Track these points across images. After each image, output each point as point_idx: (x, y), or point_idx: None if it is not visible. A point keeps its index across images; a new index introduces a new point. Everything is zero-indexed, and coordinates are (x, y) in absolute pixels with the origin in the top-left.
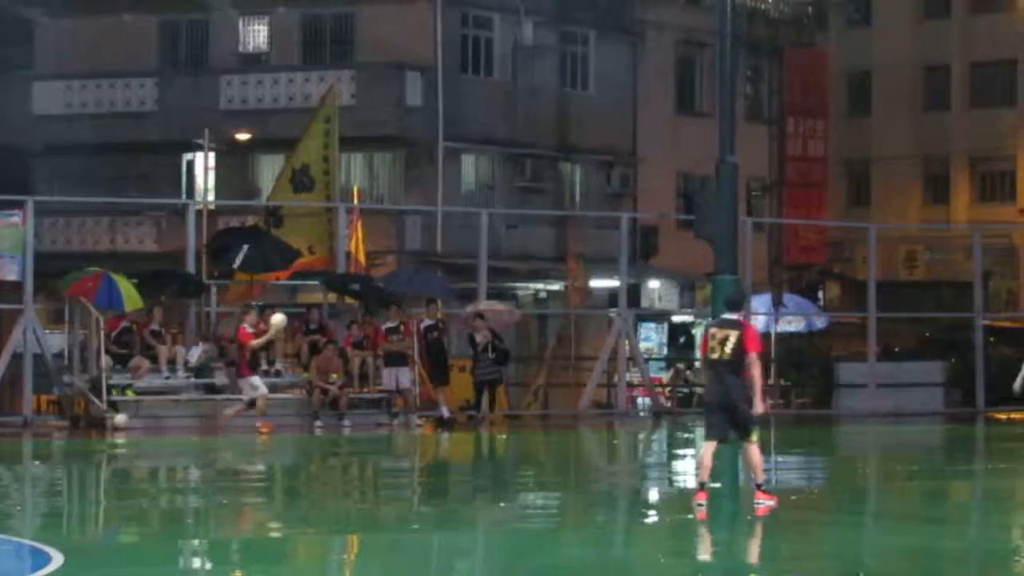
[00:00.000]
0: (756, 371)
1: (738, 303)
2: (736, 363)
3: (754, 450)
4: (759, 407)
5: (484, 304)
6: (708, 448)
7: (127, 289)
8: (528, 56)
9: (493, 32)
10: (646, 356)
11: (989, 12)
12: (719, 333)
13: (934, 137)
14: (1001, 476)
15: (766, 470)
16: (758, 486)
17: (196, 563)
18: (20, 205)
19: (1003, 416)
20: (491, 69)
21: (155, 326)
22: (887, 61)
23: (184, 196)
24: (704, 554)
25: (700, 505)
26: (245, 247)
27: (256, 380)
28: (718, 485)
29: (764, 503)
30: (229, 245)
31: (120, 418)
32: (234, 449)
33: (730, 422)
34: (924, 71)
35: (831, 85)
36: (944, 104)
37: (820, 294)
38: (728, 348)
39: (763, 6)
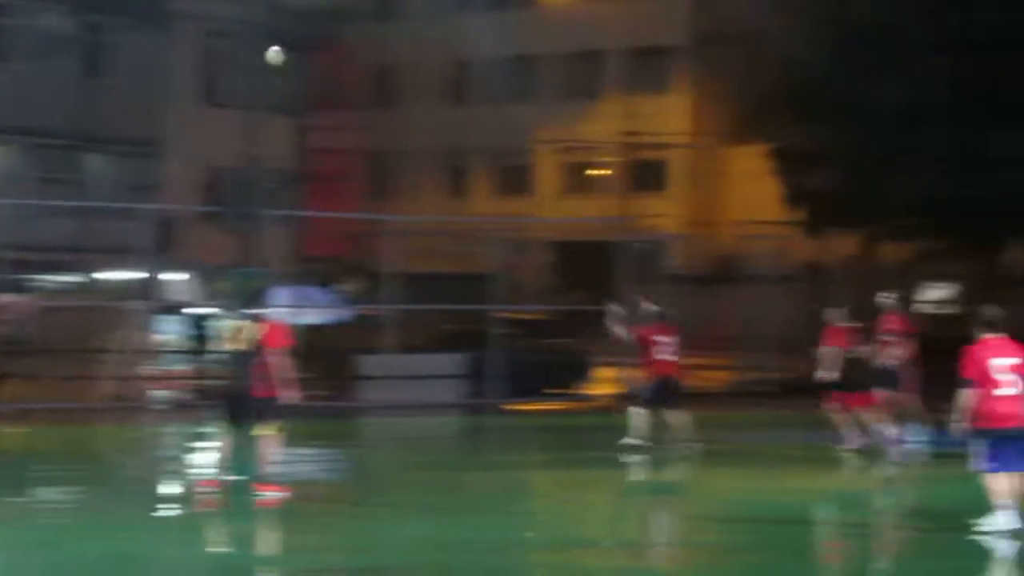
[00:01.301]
0: (277, 363)
1: (254, 297)
2: (252, 354)
3: (267, 441)
4: (285, 397)
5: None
6: (227, 439)
7: None
8: (50, 44)
9: (12, 19)
10: (167, 349)
11: (515, 8)
12: (236, 325)
13: (457, 131)
14: (516, 467)
15: (285, 462)
16: (259, 478)
17: None
18: None
19: (520, 408)
20: (10, 57)
21: None
22: (414, 56)
23: None
24: (218, 546)
25: (213, 495)
26: None
27: None
28: (243, 477)
29: (267, 495)
30: None
31: None
32: None
33: (243, 412)
34: (450, 66)
35: (358, 79)
36: (467, 99)
37: (343, 286)
38: (244, 340)
39: None
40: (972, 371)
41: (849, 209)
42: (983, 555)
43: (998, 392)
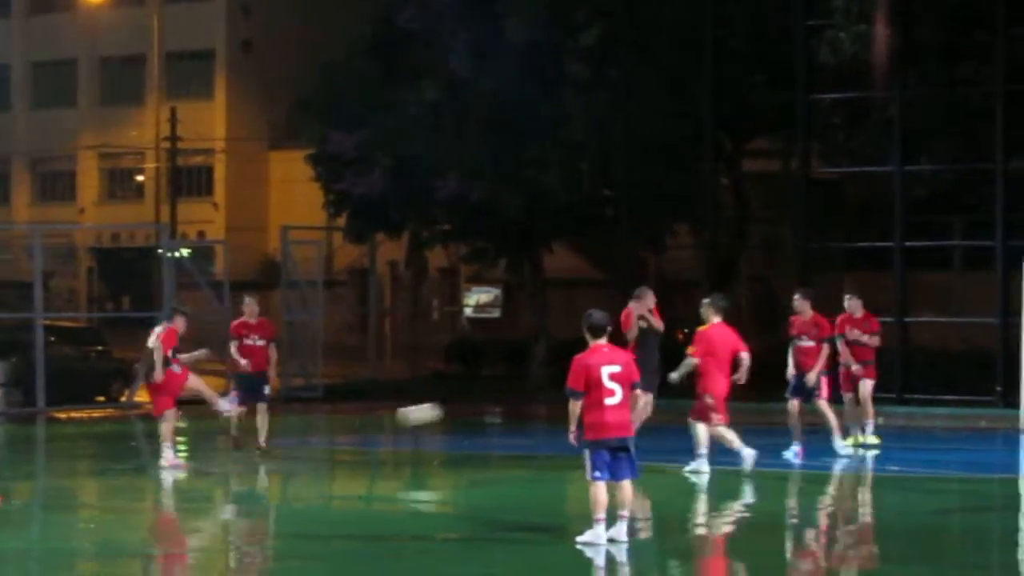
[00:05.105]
0: None
1: None
2: None
3: None
4: None
5: None
6: None
7: None
8: None
9: None
10: None
11: (48, 12)
12: None
13: None
14: (62, 475)
15: None
16: None
17: None
18: None
19: (64, 416)
20: None
21: None
22: None
23: None
24: None
25: None
26: None
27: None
28: None
29: None
30: None
31: None
32: None
33: None
34: None
35: None
36: (5, 104)
37: None
38: None
39: None
40: (580, 380)
41: (391, 213)
42: (576, 566)
43: (607, 401)
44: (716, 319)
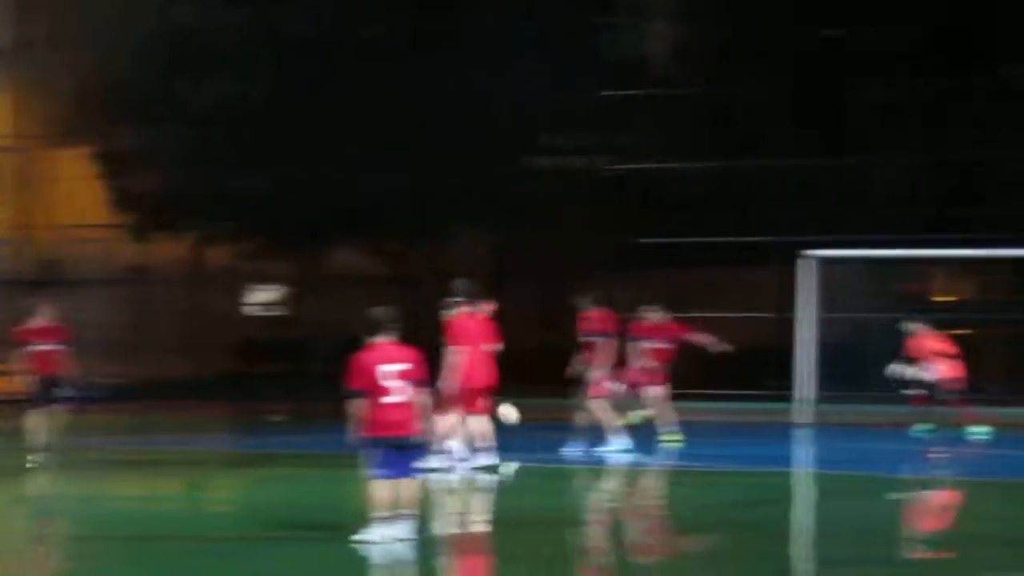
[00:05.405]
0: None
1: None
2: None
3: None
4: None
5: None
6: None
7: None
8: None
9: None
10: None
11: None
12: None
13: None
14: None
15: None
16: None
17: None
18: None
19: None
20: None
21: None
22: None
23: None
24: None
25: None
26: None
27: None
28: None
29: None
30: None
31: None
32: None
33: None
34: None
35: None
36: None
37: None
38: None
39: None
40: (360, 380)
41: (173, 211)
42: (358, 565)
43: (386, 399)
44: (466, 309)
